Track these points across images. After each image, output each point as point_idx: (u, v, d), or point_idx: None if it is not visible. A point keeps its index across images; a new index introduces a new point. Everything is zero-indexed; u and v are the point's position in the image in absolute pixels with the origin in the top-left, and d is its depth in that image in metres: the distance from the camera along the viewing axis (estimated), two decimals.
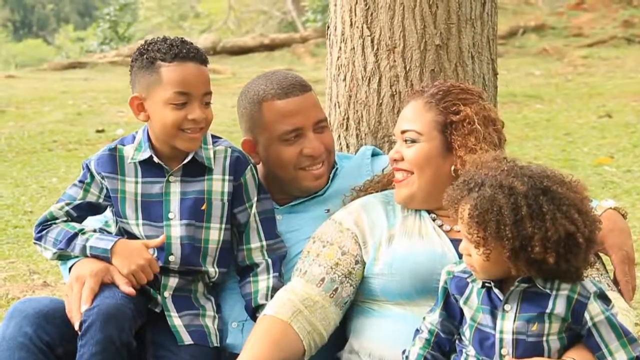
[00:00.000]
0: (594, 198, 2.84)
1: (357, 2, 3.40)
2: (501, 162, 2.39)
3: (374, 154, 3.24)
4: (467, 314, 2.42)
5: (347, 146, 3.47)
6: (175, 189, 2.89)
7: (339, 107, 3.50)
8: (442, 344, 2.49)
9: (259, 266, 2.93)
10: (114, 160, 2.91)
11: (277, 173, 3.08)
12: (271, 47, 20.66)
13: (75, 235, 2.84)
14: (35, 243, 2.94)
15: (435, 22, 3.34)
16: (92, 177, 2.92)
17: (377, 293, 2.76)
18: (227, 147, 2.94)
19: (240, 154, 2.96)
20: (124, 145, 2.93)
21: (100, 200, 2.93)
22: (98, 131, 10.61)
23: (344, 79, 3.47)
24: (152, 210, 2.89)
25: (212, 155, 2.91)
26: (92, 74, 18.04)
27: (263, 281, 2.90)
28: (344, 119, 3.48)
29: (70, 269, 2.85)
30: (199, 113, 2.79)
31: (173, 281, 2.88)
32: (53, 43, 39.27)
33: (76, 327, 2.69)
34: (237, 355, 2.68)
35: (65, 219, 2.90)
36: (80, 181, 2.93)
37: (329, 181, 3.13)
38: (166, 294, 2.87)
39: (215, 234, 2.90)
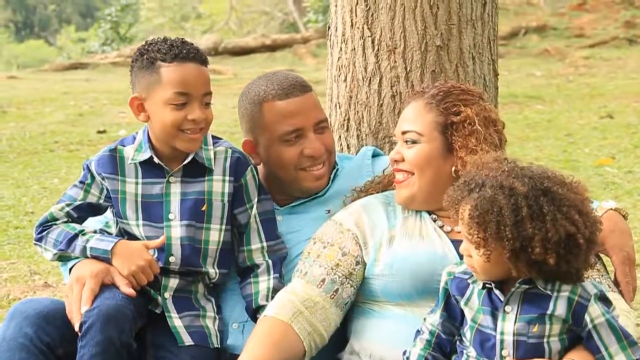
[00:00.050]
0: (595, 199, 2.84)
1: (357, 3, 3.40)
2: (502, 163, 2.39)
3: (374, 155, 3.23)
4: (468, 315, 2.41)
5: (348, 147, 3.47)
6: (176, 189, 2.88)
7: (339, 108, 3.50)
8: (442, 344, 2.49)
9: (260, 267, 2.93)
10: (114, 161, 2.91)
11: (278, 174, 3.08)
12: (273, 47, 20.66)
13: (75, 236, 2.84)
14: (35, 244, 2.94)
15: (436, 22, 3.34)
16: (93, 177, 2.92)
17: (378, 294, 2.76)
18: (227, 148, 2.94)
19: (241, 155, 2.95)
20: (124, 146, 2.93)
21: (101, 201, 2.93)
22: (99, 132, 10.62)
23: (345, 80, 3.47)
24: (153, 210, 2.89)
25: (212, 156, 2.91)
26: (94, 74, 18.05)
27: (263, 282, 2.90)
28: (344, 120, 3.48)
29: (70, 269, 2.85)
30: (198, 113, 2.79)
31: (173, 282, 2.88)
32: (55, 44, 39.29)
33: (76, 328, 2.69)
34: (237, 356, 2.67)
35: (65, 219, 2.90)
36: (80, 182, 2.93)
37: (330, 182, 3.13)
38: (166, 294, 2.87)
39: (215, 234, 2.90)
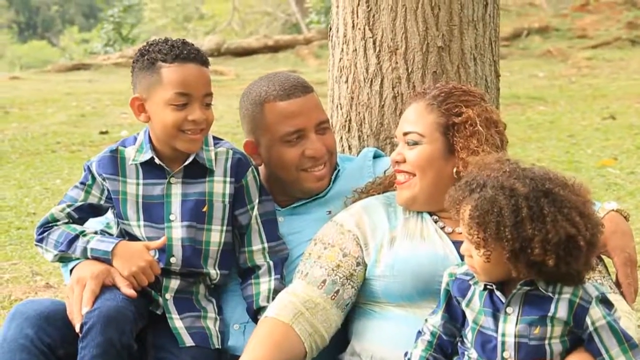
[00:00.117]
0: (597, 200, 2.83)
1: (359, 4, 3.40)
2: (504, 164, 2.38)
3: (375, 156, 3.23)
4: (469, 316, 2.41)
5: (349, 148, 3.46)
6: (177, 190, 2.88)
7: (341, 109, 3.49)
8: (444, 346, 2.49)
9: (261, 268, 2.92)
10: (115, 162, 2.91)
11: (279, 174, 3.07)
12: (275, 48, 20.68)
13: (76, 237, 2.84)
14: (36, 245, 2.94)
15: (437, 23, 3.34)
16: (94, 178, 2.92)
17: (379, 295, 2.76)
18: (228, 149, 2.94)
19: (242, 156, 2.95)
20: (125, 146, 2.93)
21: (102, 202, 2.93)
22: (102, 133, 10.63)
23: (346, 81, 3.47)
24: (154, 211, 2.88)
25: (213, 157, 2.91)
26: (96, 75, 18.07)
27: (264, 283, 2.90)
28: (346, 121, 3.48)
29: (71, 271, 2.85)
30: (199, 114, 2.79)
31: (174, 283, 2.88)
32: (58, 45, 39.35)
33: (77, 329, 2.68)
34: (238, 357, 2.67)
35: (66, 220, 2.90)
36: (81, 183, 2.93)
37: (331, 183, 3.13)
38: (167, 296, 2.87)
39: (216, 235, 2.90)
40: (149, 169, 2.89)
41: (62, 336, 2.76)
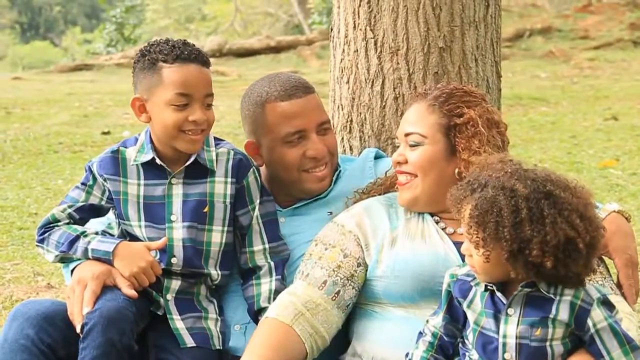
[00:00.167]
0: (599, 201, 2.83)
1: (360, 5, 3.40)
2: (506, 164, 2.38)
3: (377, 157, 3.23)
4: (471, 317, 2.41)
5: (351, 148, 3.46)
6: (178, 191, 2.88)
7: (342, 110, 3.49)
8: (445, 347, 2.48)
9: (262, 269, 2.92)
10: (116, 163, 2.91)
11: (281, 175, 3.07)
12: (277, 49, 20.71)
13: (77, 238, 2.84)
14: (37, 245, 2.94)
15: (438, 24, 3.34)
16: (95, 179, 2.92)
17: (380, 295, 2.75)
18: (229, 150, 2.94)
19: (243, 156, 2.95)
20: (126, 147, 2.93)
21: (103, 203, 2.92)
22: (104, 133, 10.64)
23: (347, 82, 3.47)
24: (155, 212, 2.88)
25: (214, 158, 2.90)
26: (98, 76, 18.11)
27: (265, 284, 2.90)
28: (347, 122, 3.47)
29: (72, 271, 2.85)
30: (199, 115, 2.78)
31: (175, 284, 2.88)
32: (60, 45, 39.40)
33: (78, 330, 2.68)
34: (239, 358, 2.66)
35: (67, 221, 2.90)
36: (82, 183, 2.93)
37: (332, 183, 3.13)
38: (169, 296, 2.87)
39: (217, 236, 2.90)
40: (150, 169, 2.89)
41: (63, 336, 2.76)
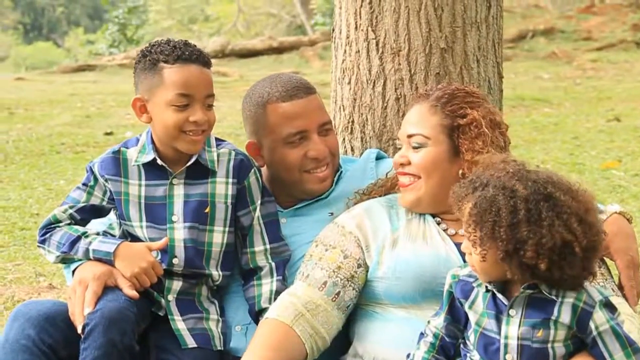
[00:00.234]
0: (601, 202, 2.82)
1: (362, 5, 3.40)
2: (508, 165, 2.38)
3: (378, 157, 3.23)
4: (472, 318, 2.40)
5: (352, 149, 3.46)
6: (179, 191, 2.88)
7: (343, 110, 3.49)
8: (446, 348, 2.48)
9: (263, 269, 2.92)
10: (117, 163, 2.91)
11: (282, 175, 3.07)
12: (280, 50, 20.72)
13: (78, 239, 2.84)
14: (39, 246, 2.94)
15: (440, 25, 3.34)
16: (96, 179, 2.92)
17: (381, 296, 2.75)
18: (230, 150, 2.93)
19: (244, 157, 2.95)
20: (127, 148, 2.93)
21: (104, 203, 2.92)
22: (106, 134, 10.65)
23: (349, 82, 3.47)
24: (156, 212, 2.88)
25: (215, 158, 2.90)
26: (101, 76, 18.13)
27: (266, 285, 2.90)
28: (348, 122, 3.47)
29: (73, 272, 2.85)
30: (200, 115, 2.78)
31: (177, 284, 2.88)
32: (63, 46, 39.45)
33: (79, 330, 2.68)
34: (240, 358, 2.66)
35: (68, 222, 2.90)
36: (84, 184, 2.93)
37: (333, 184, 3.12)
38: (170, 297, 2.87)
39: (218, 237, 2.90)
40: (151, 170, 2.89)
41: (64, 337, 2.75)
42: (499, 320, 2.34)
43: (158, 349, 2.83)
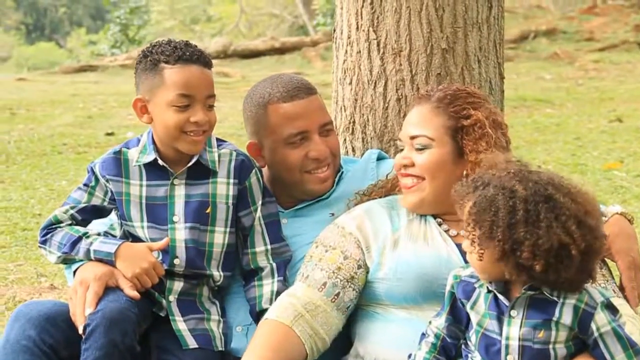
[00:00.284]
0: (603, 203, 2.82)
1: (363, 6, 3.40)
2: (511, 165, 2.39)
3: (379, 158, 3.22)
4: (474, 319, 2.40)
5: (353, 150, 3.46)
6: (180, 191, 2.88)
7: (344, 111, 3.49)
8: (448, 348, 2.48)
9: (264, 270, 2.92)
10: (118, 163, 2.91)
11: (283, 176, 3.07)
12: (282, 50, 20.72)
13: (79, 239, 2.84)
14: (40, 247, 2.94)
15: (441, 25, 3.33)
16: (97, 180, 2.92)
17: (382, 297, 2.75)
18: (232, 151, 2.93)
19: (245, 157, 2.95)
20: (128, 148, 2.93)
21: (105, 204, 2.92)
22: (108, 134, 10.65)
23: (350, 83, 3.46)
24: (157, 213, 2.88)
25: (216, 159, 2.90)
26: (103, 77, 18.14)
27: (267, 285, 2.90)
28: (349, 123, 3.47)
29: (74, 272, 2.85)
30: (201, 116, 2.78)
31: (178, 285, 2.88)
32: (65, 46, 39.47)
33: (80, 331, 2.68)
34: (240, 359, 2.66)
35: (69, 222, 2.90)
36: (85, 184, 2.93)
37: (335, 185, 3.12)
38: (171, 297, 2.87)
39: (219, 237, 2.90)
40: (153, 170, 2.89)
41: (65, 338, 2.75)
42: (500, 321, 2.34)
43: (159, 349, 2.83)
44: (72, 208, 2.91)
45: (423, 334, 2.52)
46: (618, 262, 2.77)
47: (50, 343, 2.73)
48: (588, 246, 2.26)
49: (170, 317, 2.85)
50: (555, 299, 2.29)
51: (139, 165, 2.89)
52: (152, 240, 2.86)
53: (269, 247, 2.93)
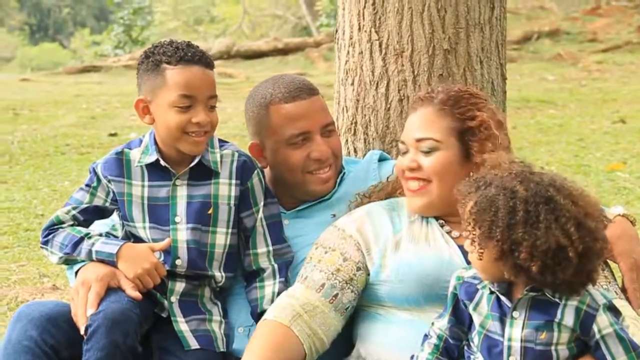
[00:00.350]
0: (605, 204, 2.82)
1: (365, 6, 3.40)
2: (513, 165, 2.39)
3: (381, 159, 3.22)
4: (476, 320, 2.40)
5: (355, 151, 3.46)
6: (182, 192, 2.88)
7: (346, 112, 3.49)
8: (450, 349, 2.47)
9: (265, 271, 2.92)
10: (120, 164, 2.91)
11: (285, 177, 3.07)
12: (285, 51, 20.71)
13: (81, 240, 2.84)
14: (42, 247, 2.94)
15: (443, 26, 3.33)
16: (99, 180, 2.92)
17: (384, 299, 2.74)
18: (234, 151, 2.93)
19: (247, 158, 2.95)
20: (130, 148, 2.93)
21: (107, 204, 2.92)
22: (111, 135, 10.66)
23: (352, 83, 3.46)
24: (159, 213, 2.88)
25: (218, 159, 2.90)
26: (106, 77, 18.15)
27: (269, 287, 2.89)
28: (351, 124, 3.47)
29: (76, 273, 2.85)
30: (203, 116, 2.78)
31: (180, 286, 2.87)
32: (69, 47, 39.49)
33: (82, 332, 2.68)
34: None
35: (71, 223, 2.90)
36: (87, 185, 2.93)
37: (336, 185, 3.12)
38: (173, 298, 2.87)
39: (221, 238, 2.90)
40: (155, 170, 2.89)
41: (67, 338, 2.75)
42: (502, 322, 2.33)
43: (161, 350, 2.83)
44: (74, 209, 2.91)
45: (426, 335, 2.52)
46: (620, 264, 2.76)
47: (51, 344, 2.73)
48: (586, 248, 2.26)
49: (172, 318, 2.85)
50: (558, 300, 2.29)
51: (141, 166, 2.89)
52: (154, 240, 2.86)
53: (270, 248, 2.93)
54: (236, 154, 2.93)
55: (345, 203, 3.02)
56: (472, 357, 2.41)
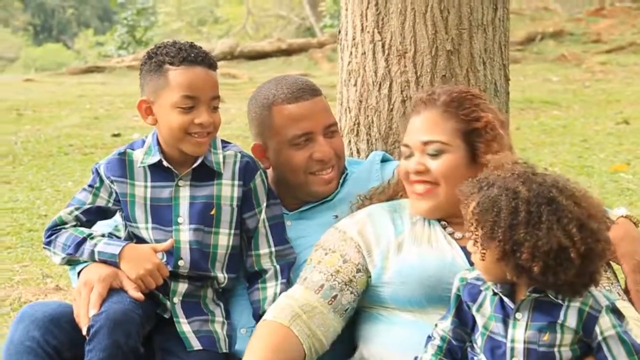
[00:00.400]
0: (609, 206, 2.82)
1: (368, 7, 3.40)
2: (516, 166, 2.39)
3: (383, 160, 3.22)
4: (480, 321, 2.40)
5: (358, 151, 3.46)
6: (185, 193, 2.88)
7: (349, 112, 3.49)
8: (454, 351, 2.47)
9: (267, 272, 2.92)
10: (123, 165, 2.91)
11: (287, 177, 3.07)
12: (288, 52, 20.69)
13: (83, 240, 2.84)
14: (44, 248, 2.94)
15: (446, 27, 3.33)
16: (102, 181, 2.92)
17: (387, 300, 2.74)
18: (236, 152, 2.93)
19: (250, 159, 2.95)
20: (133, 149, 2.93)
21: (110, 205, 2.92)
22: (114, 135, 10.66)
23: (355, 84, 3.46)
24: (162, 214, 2.88)
25: (221, 160, 2.90)
26: (110, 78, 18.14)
27: (271, 288, 2.89)
28: (354, 124, 3.47)
29: (79, 273, 2.85)
30: (206, 117, 2.78)
31: (182, 287, 2.88)
32: (72, 47, 39.52)
33: (84, 332, 2.68)
34: None
35: (74, 223, 2.90)
36: (89, 185, 2.94)
37: (339, 186, 3.12)
38: (175, 299, 2.87)
39: (224, 239, 2.90)
40: (157, 171, 2.89)
41: (69, 339, 2.75)
42: (505, 324, 2.34)
43: (163, 351, 2.83)
44: (76, 209, 2.91)
45: (429, 337, 2.52)
46: (623, 265, 2.76)
47: (54, 344, 2.74)
48: (589, 249, 2.25)
49: (175, 319, 2.85)
50: (560, 301, 2.29)
51: (144, 167, 2.89)
52: (157, 241, 2.86)
53: (273, 249, 2.93)
54: (239, 155, 2.93)
55: (348, 204, 3.01)
56: (475, 358, 2.42)
